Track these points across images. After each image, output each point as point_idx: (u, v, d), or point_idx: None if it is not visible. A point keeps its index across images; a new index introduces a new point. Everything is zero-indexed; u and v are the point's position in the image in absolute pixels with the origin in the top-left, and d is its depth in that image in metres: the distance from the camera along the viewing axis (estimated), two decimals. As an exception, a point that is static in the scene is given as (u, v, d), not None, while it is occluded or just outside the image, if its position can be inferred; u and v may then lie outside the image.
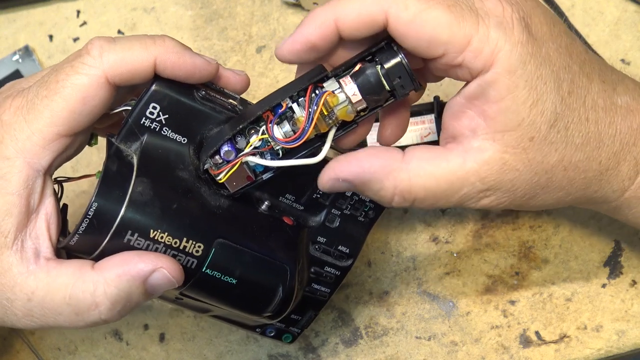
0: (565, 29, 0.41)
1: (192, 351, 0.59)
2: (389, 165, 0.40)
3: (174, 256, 0.40)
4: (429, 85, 0.46)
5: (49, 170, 0.40)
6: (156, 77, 0.41)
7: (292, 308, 0.45)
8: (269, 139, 0.41)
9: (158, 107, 0.41)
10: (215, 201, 0.42)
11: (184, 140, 0.42)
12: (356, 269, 0.58)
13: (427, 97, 0.54)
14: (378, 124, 0.45)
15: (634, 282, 0.56)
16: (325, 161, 0.42)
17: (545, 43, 0.39)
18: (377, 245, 0.58)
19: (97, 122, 0.41)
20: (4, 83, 0.61)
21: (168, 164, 0.41)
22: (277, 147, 0.41)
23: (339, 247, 0.48)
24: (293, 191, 0.46)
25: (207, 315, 0.48)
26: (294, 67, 0.45)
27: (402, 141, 0.49)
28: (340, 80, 0.40)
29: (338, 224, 0.48)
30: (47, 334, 0.60)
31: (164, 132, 0.41)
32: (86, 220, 0.39)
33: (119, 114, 0.42)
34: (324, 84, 0.40)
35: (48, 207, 0.40)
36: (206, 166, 0.41)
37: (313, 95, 0.40)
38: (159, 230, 0.40)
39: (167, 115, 0.41)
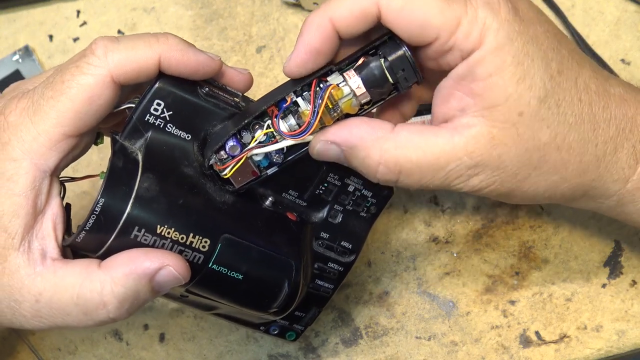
0: (551, 21, 0.42)
1: (192, 351, 0.59)
2: (377, 133, 0.40)
3: (180, 252, 0.40)
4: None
5: (55, 171, 0.40)
6: (160, 74, 0.41)
7: (296, 304, 0.46)
8: (275, 133, 0.41)
9: (162, 104, 0.41)
10: (220, 197, 0.43)
11: (188, 136, 0.42)
12: (356, 269, 0.58)
13: (427, 97, 0.54)
14: None
15: (634, 282, 0.56)
16: None
17: (533, 25, 0.40)
18: (377, 245, 0.58)
19: (101, 122, 0.42)
20: (4, 83, 0.61)
21: (173, 160, 0.41)
22: (282, 141, 0.41)
23: (342, 243, 0.49)
24: (296, 187, 0.46)
25: (211, 313, 0.48)
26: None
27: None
28: (344, 74, 0.41)
29: (340, 219, 0.48)
30: (47, 334, 0.60)
31: (168, 128, 0.42)
32: (93, 217, 0.39)
33: (122, 112, 0.42)
34: (328, 78, 0.41)
35: (54, 208, 0.40)
36: (211, 162, 0.42)
37: (318, 89, 0.41)
38: (166, 226, 0.40)
39: (171, 112, 0.41)
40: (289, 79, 0.42)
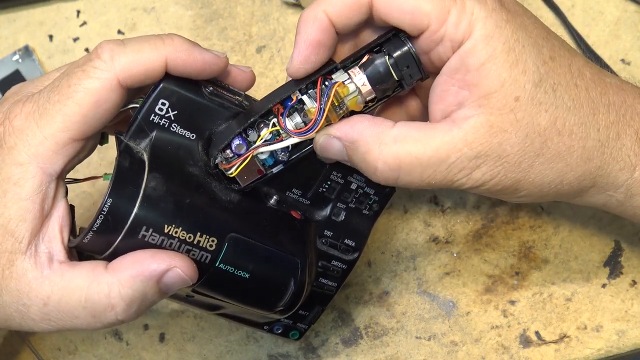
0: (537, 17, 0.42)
1: (192, 351, 0.59)
2: (378, 129, 0.40)
3: (187, 251, 0.40)
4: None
5: (61, 175, 0.40)
6: (164, 74, 0.41)
7: (301, 302, 0.46)
8: (281, 131, 0.41)
9: (167, 104, 0.41)
10: (226, 196, 0.43)
11: (192, 136, 0.42)
12: (356, 269, 0.58)
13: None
14: None
15: (634, 282, 0.56)
16: None
17: (520, 16, 0.40)
18: (377, 245, 0.58)
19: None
20: (4, 83, 0.61)
21: (178, 159, 0.42)
22: (288, 139, 0.42)
23: (345, 241, 0.49)
24: (299, 186, 0.46)
25: (216, 313, 0.48)
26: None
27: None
28: (349, 72, 0.41)
29: (344, 217, 0.48)
30: (47, 334, 0.60)
31: (173, 128, 0.42)
32: (101, 217, 0.39)
33: (126, 112, 0.42)
34: (333, 76, 0.41)
35: (60, 211, 0.40)
36: (217, 161, 0.42)
37: (323, 86, 0.41)
38: (173, 225, 0.40)
39: (176, 112, 0.41)
40: (289, 78, 0.42)
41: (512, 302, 0.57)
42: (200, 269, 0.41)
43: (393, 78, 0.41)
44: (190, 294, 0.44)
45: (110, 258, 0.40)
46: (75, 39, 0.63)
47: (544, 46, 0.40)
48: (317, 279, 0.48)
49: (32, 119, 0.39)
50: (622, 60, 0.58)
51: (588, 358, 0.56)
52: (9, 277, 0.39)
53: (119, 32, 0.63)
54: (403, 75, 0.41)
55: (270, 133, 0.41)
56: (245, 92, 0.45)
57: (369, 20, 0.41)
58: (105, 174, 0.41)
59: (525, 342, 0.57)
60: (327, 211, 0.48)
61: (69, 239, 0.41)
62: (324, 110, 0.40)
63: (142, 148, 0.41)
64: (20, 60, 0.62)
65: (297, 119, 0.41)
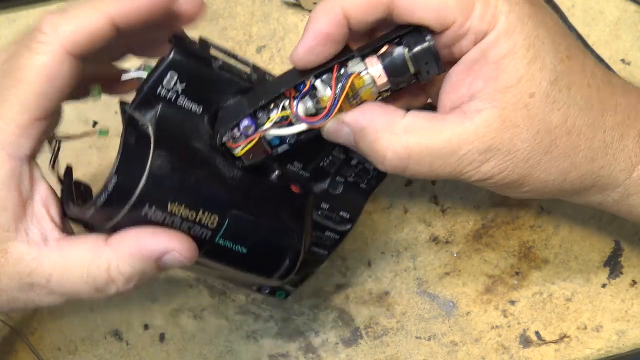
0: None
1: (192, 351, 0.59)
2: (389, 118, 0.40)
3: (189, 228, 0.40)
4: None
5: (32, 156, 0.40)
6: (174, 45, 0.40)
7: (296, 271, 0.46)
8: (292, 116, 0.41)
9: (176, 76, 0.40)
10: (229, 172, 0.42)
11: (199, 109, 0.42)
12: (356, 269, 0.58)
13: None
14: None
15: (634, 282, 0.56)
16: None
17: (541, 9, 0.40)
18: (377, 245, 0.58)
19: (107, 86, 0.42)
20: (4, 83, 0.61)
21: (183, 134, 0.41)
22: (298, 124, 0.41)
23: (341, 213, 0.49)
24: (301, 159, 0.46)
25: (210, 275, 0.47)
26: (294, 67, 0.45)
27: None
28: (366, 60, 0.40)
29: (341, 190, 0.48)
30: (47, 334, 0.60)
31: (180, 101, 0.41)
32: (106, 193, 0.38)
33: (132, 81, 0.42)
34: (349, 63, 0.41)
35: (42, 191, 0.40)
36: (224, 139, 0.41)
37: (339, 75, 0.40)
38: (177, 203, 0.39)
39: (184, 84, 0.41)
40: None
41: (512, 302, 0.57)
42: (199, 244, 0.41)
43: (410, 72, 0.40)
44: None
45: (109, 232, 0.39)
46: (75, 39, 0.63)
47: (561, 44, 0.40)
48: (310, 247, 0.49)
49: None
50: (622, 60, 0.58)
51: (588, 358, 0.56)
52: (6, 264, 0.39)
53: (119, 32, 0.63)
54: (421, 70, 0.40)
55: (279, 116, 0.41)
56: (253, 63, 0.44)
57: (385, 20, 0.40)
58: (100, 130, 0.41)
59: (525, 342, 0.57)
60: (325, 184, 0.48)
61: (69, 205, 0.40)
62: (339, 100, 0.40)
63: (147, 120, 0.41)
64: (20, 60, 0.62)
65: (309, 103, 0.41)
